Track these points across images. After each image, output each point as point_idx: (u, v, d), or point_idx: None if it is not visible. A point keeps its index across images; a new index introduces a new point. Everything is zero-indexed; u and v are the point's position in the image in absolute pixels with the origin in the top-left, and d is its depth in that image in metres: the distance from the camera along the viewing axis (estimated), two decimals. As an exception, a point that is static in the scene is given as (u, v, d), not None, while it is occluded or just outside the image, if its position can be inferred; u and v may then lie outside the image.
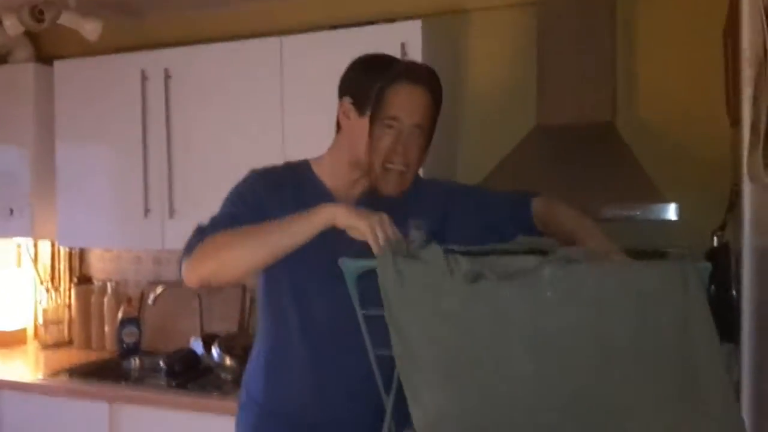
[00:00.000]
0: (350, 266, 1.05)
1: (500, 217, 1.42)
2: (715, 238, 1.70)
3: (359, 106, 1.35)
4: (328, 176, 1.41)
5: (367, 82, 1.33)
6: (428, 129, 1.37)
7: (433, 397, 0.96)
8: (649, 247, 1.08)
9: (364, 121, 1.33)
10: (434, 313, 0.96)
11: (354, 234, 1.13)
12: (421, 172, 1.47)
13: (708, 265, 0.94)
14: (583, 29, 2.09)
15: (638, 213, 1.83)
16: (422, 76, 1.35)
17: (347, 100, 1.37)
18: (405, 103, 1.31)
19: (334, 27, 2.27)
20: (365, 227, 1.10)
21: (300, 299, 1.37)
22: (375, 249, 1.07)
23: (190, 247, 1.26)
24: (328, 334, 1.37)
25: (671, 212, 1.81)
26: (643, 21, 2.21)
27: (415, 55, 2.10)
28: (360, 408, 1.33)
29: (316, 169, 1.43)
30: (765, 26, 0.89)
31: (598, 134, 2.05)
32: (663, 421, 0.91)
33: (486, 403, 0.95)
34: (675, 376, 0.91)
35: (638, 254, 1.05)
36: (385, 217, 1.12)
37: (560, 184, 1.96)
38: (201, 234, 1.27)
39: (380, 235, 1.08)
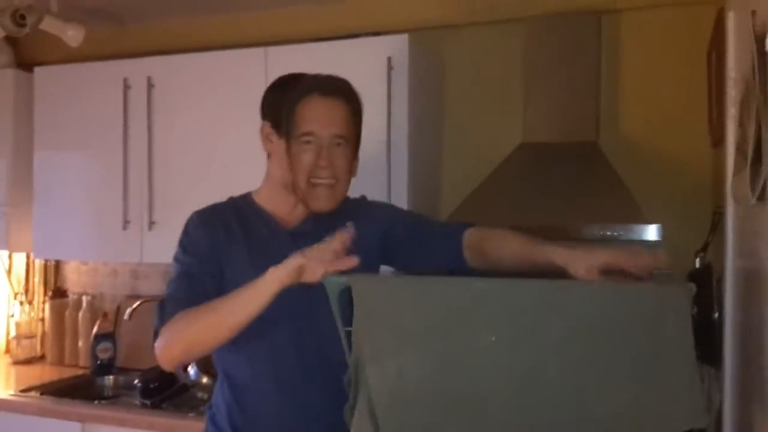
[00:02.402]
0: (333, 282, 1.06)
1: (430, 245, 1.37)
2: (698, 260, 1.69)
3: (277, 128, 1.34)
4: (269, 203, 1.40)
5: (280, 102, 1.32)
6: (352, 139, 1.33)
7: (394, 359, 0.99)
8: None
9: (284, 142, 1.32)
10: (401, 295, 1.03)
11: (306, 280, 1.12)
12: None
13: (693, 286, 0.96)
14: (568, 48, 2.10)
15: (621, 233, 1.82)
16: (334, 87, 1.31)
17: (267, 124, 1.37)
18: (318, 115, 1.28)
19: (319, 39, 2.26)
20: (304, 269, 1.10)
21: (267, 330, 1.32)
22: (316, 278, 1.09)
23: (156, 330, 1.26)
24: (294, 363, 1.34)
25: (653, 233, 1.80)
26: (627, 40, 2.22)
27: (402, 69, 2.09)
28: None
29: (258, 199, 1.41)
30: (754, 47, 0.88)
31: (581, 153, 2.05)
32: (621, 397, 0.95)
33: (447, 369, 0.99)
34: (635, 358, 0.95)
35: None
36: (310, 250, 1.11)
37: (543, 202, 1.95)
38: (162, 310, 1.26)
39: (317, 267, 1.09)
